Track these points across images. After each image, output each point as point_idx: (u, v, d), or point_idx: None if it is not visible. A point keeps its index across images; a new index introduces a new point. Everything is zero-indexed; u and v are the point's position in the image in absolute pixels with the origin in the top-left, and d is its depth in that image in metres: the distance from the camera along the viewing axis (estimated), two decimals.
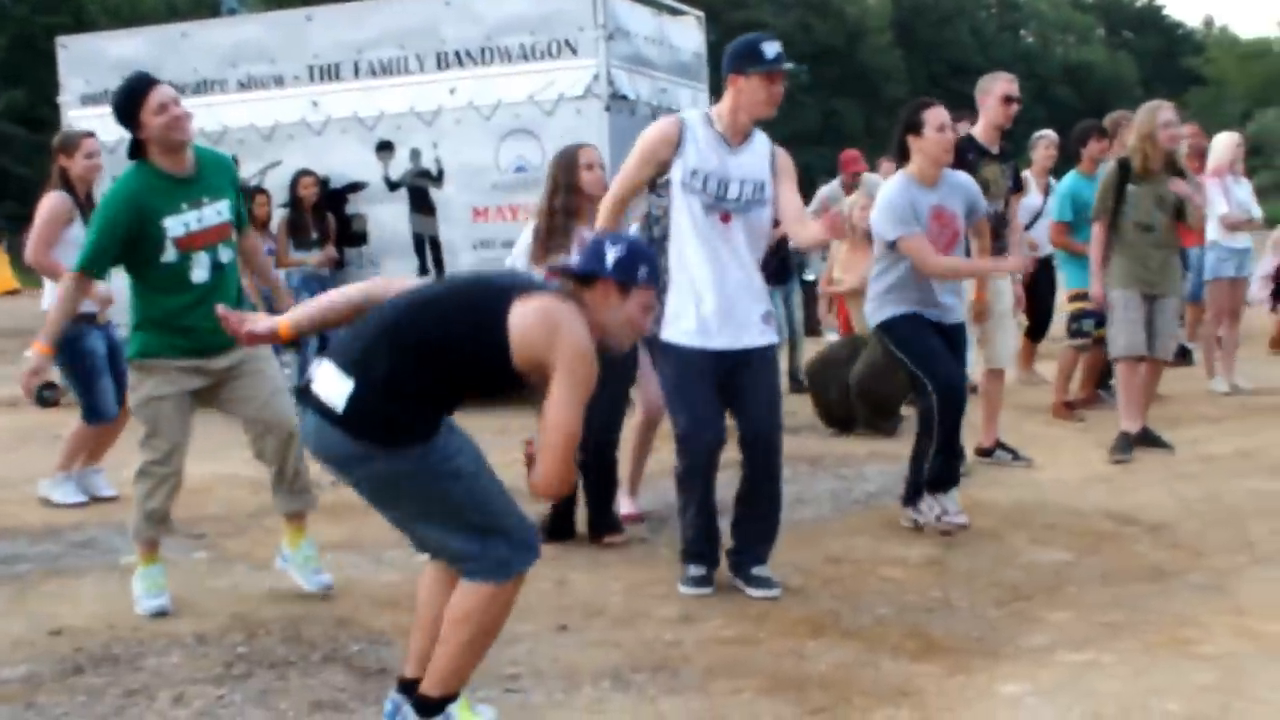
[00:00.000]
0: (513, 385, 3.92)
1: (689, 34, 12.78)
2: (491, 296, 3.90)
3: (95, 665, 4.96)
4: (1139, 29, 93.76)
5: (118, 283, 6.01)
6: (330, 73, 11.97)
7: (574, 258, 4.23)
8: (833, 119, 55.57)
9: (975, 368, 8.21)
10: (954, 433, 6.78)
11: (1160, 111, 8.60)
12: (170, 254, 5.48)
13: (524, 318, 3.82)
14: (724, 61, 5.78)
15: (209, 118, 11.61)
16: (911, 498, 6.86)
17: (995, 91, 7.99)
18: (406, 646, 4.31)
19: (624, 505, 7.16)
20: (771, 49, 5.68)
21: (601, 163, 6.73)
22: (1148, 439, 8.72)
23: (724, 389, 5.78)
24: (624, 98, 11.15)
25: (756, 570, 5.83)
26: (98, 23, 38.20)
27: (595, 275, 4.02)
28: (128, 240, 5.44)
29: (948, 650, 5.00)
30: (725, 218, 5.67)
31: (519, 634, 5.16)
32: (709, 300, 5.66)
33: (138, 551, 5.71)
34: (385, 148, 11.80)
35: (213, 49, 12.44)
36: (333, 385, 3.86)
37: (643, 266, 4.05)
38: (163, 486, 5.58)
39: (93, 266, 5.51)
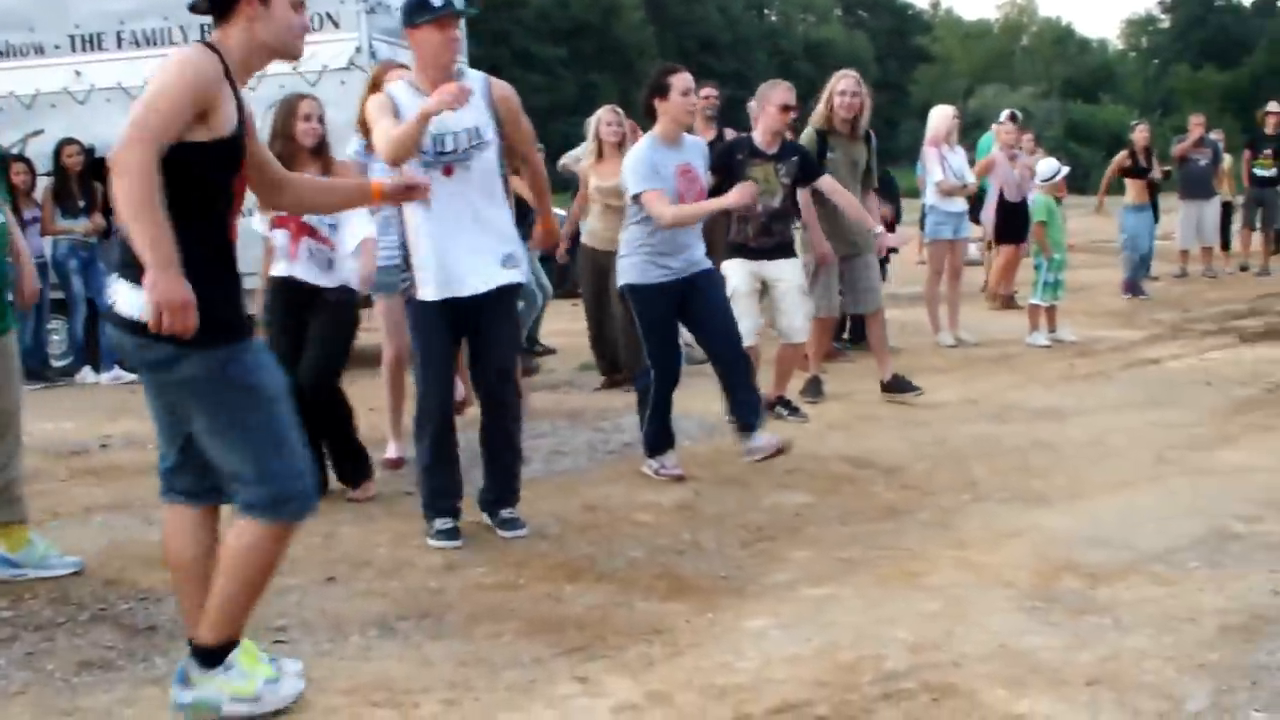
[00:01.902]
0: (218, 152, 3.85)
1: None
2: None
3: None
4: (872, 9, 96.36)
5: None
6: (93, 42, 11.75)
7: None
8: (589, 91, 55.75)
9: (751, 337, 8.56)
10: (664, 403, 7.09)
11: (839, 80, 9.06)
12: None
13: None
14: (401, 23, 5.89)
15: None
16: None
17: (774, 100, 8.16)
18: (177, 604, 4.30)
19: (390, 450, 7.38)
20: None
21: (320, 114, 6.78)
22: (898, 386, 9.20)
23: (466, 332, 5.99)
24: None
25: (505, 513, 6.07)
26: None
27: None
28: None
29: (697, 589, 5.23)
30: (448, 171, 5.74)
31: (287, 587, 5.23)
32: (446, 255, 5.78)
33: None
34: None
35: None
36: (129, 298, 3.81)
37: None
38: None
39: None
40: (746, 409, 7.01)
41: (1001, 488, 6.75)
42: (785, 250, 8.42)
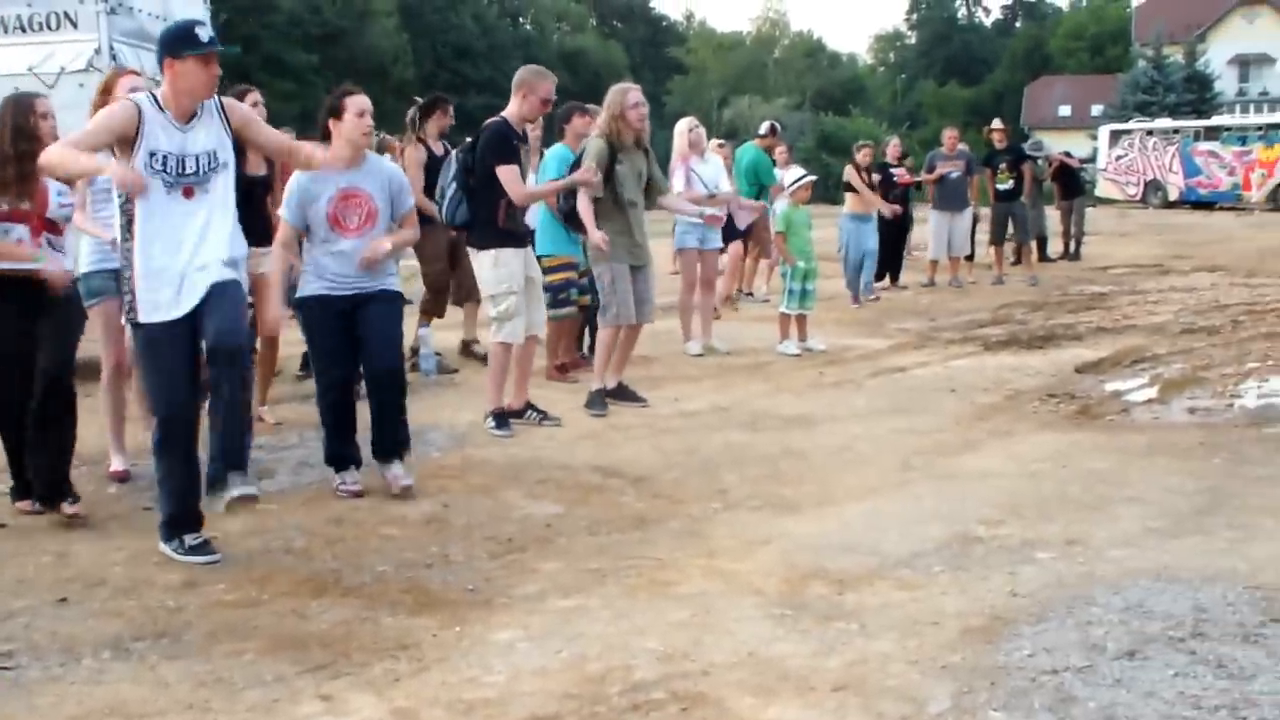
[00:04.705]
0: None
1: (193, 9, 12.46)
2: None
3: None
4: (627, 19, 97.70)
5: None
6: None
7: None
8: None
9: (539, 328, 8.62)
10: (334, 417, 7.06)
11: (629, 93, 9.10)
12: None
13: None
14: (158, 48, 5.89)
15: None
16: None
17: (540, 92, 8.33)
18: None
19: (115, 463, 7.20)
20: (205, 33, 5.82)
21: (54, 112, 6.61)
22: (625, 394, 9.24)
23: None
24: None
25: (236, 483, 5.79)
26: None
27: None
28: None
29: (445, 603, 5.17)
30: (188, 192, 5.75)
31: (14, 609, 5.04)
32: (174, 275, 5.69)
33: None
34: None
35: None
36: None
37: None
38: None
39: None
40: (393, 444, 7.06)
41: (751, 496, 6.81)
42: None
